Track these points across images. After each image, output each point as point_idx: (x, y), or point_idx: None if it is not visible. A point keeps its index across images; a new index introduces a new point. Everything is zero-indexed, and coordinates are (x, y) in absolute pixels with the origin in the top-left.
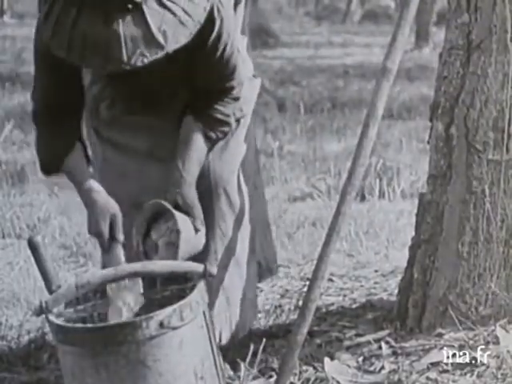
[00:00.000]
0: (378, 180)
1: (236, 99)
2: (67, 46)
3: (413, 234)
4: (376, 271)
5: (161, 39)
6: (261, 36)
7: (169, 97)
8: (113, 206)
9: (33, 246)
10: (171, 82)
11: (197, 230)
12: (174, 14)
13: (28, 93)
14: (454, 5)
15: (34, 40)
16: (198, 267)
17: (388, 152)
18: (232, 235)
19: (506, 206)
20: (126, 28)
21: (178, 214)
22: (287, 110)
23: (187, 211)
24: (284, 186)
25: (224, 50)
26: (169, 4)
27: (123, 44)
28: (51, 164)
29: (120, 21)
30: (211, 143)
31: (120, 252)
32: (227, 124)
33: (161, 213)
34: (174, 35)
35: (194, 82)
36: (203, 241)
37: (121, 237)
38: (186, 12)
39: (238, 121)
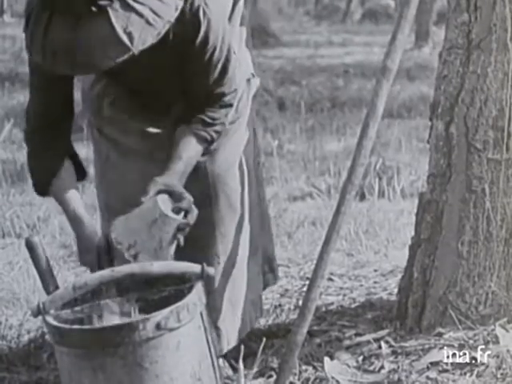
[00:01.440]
0: (377, 179)
1: (228, 106)
2: (41, 53)
3: (412, 233)
4: (376, 270)
5: (126, 40)
6: (261, 36)
7: (167, 100)
8: (95, 238)
9: (30, 247)
10: (166, 84)
11: (180, 210)
12: (140, 14)
13: (28, 92)
14: (454, 4)
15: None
16: (196, 268)
17: (388, 151)
18: (233, 237)
19: (506, 205)
20: (92, 32)
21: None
22: (287, 109)
23: (170, 193)
24: (284, 185)
25: (213, 52)
26: (135, 5)
27: (92, 48)
28: (43, 185)
29: (87, 25)
30: (207, 143)
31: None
32: (220, 125)
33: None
34: (141, 36)
35: (184, 87)
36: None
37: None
38: (154, 12)
39: (232, 122)
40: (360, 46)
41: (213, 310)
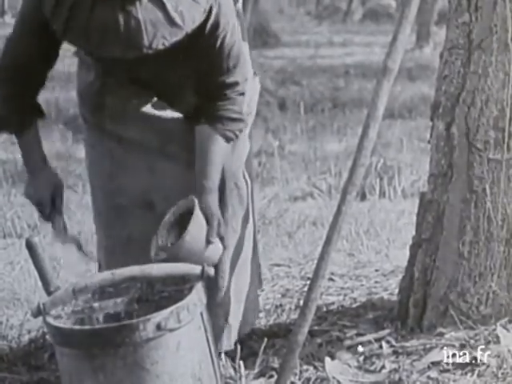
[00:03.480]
0: (378, 179)
1: (242, 94)
2: (85, 36)
3: (413, 233)
4: (377, 270)
5: (178, 20)
6: (262, 36)
7: (177, 90)
8: (58, 177)
9: (30, 247)
10: (177, 75)
11: (209, 242)
12: None
13: None
14: (455, 4)
15: (22, 6)
16: (196, 269)
17: (389, 151)
18: (240, 232)
19: (507, 206)
20: (144, 12)
21: (198, 217)
22: (288, 109)
23: (207, 219)
24: (285, 185)
25: (224, 38)
26: None
27: (143, 29)
28: (9, 121)
29: (138, 6)
30: (232, 142)
31: (60, 223)
32: (242, 121)
33: (190, 211)
34: (190, 14)
35: (198, 77)
36: (217, 253)
37: (62, 208)
38: None
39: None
40: (361, 47)
41: (221, 304)
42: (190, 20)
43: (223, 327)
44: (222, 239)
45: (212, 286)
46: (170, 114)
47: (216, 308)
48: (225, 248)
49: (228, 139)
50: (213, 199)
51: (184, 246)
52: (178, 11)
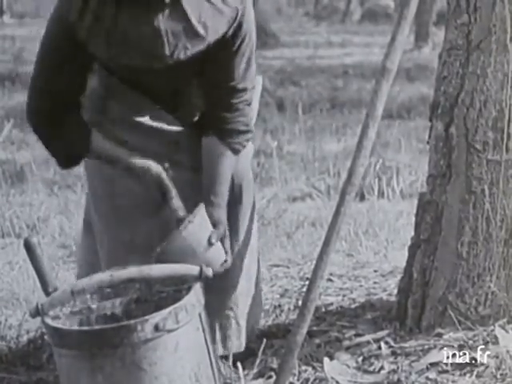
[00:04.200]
0: (377, 180)
1: (249, 104)
2: (107, 44)
3: (412, 233)
4: (375, 271)
5: (201, 30)
6: (260, 36)
7: (183, 96)
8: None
9: (28, 247)
10: (186, 80)
11: (210, 244)
12: (211, 3)
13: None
14: (454, 5)
15: (49, 28)
16: (194, 270)
17: (387, 152)
18: (249, 232)
19: (506, 206)
20: (166, 23)
21: (200, 213)
22: (286, 109)
23: (213, 224)
24: (283, 185)
25: (243, 41)
26: None
27: (165, 39)
28: (78, 151)
29: (160, 16)
30: (239, 152)
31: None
32: (250, 132)
33: None
34: (214, 25)
35: (208, 82)
36: (218, 259)
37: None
38: (222, 0)
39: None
40: (359, 47)
41: (234, 304)
42: (213, 30)
43: (233, 328)
44: (226, 252)
45: (223, 286)
46: (173, 125)
47: (227, 310)
48: (226, 260)
49: (236, 152)
50: (222, 213)
51: (181, 237)
52: (201, 22)
